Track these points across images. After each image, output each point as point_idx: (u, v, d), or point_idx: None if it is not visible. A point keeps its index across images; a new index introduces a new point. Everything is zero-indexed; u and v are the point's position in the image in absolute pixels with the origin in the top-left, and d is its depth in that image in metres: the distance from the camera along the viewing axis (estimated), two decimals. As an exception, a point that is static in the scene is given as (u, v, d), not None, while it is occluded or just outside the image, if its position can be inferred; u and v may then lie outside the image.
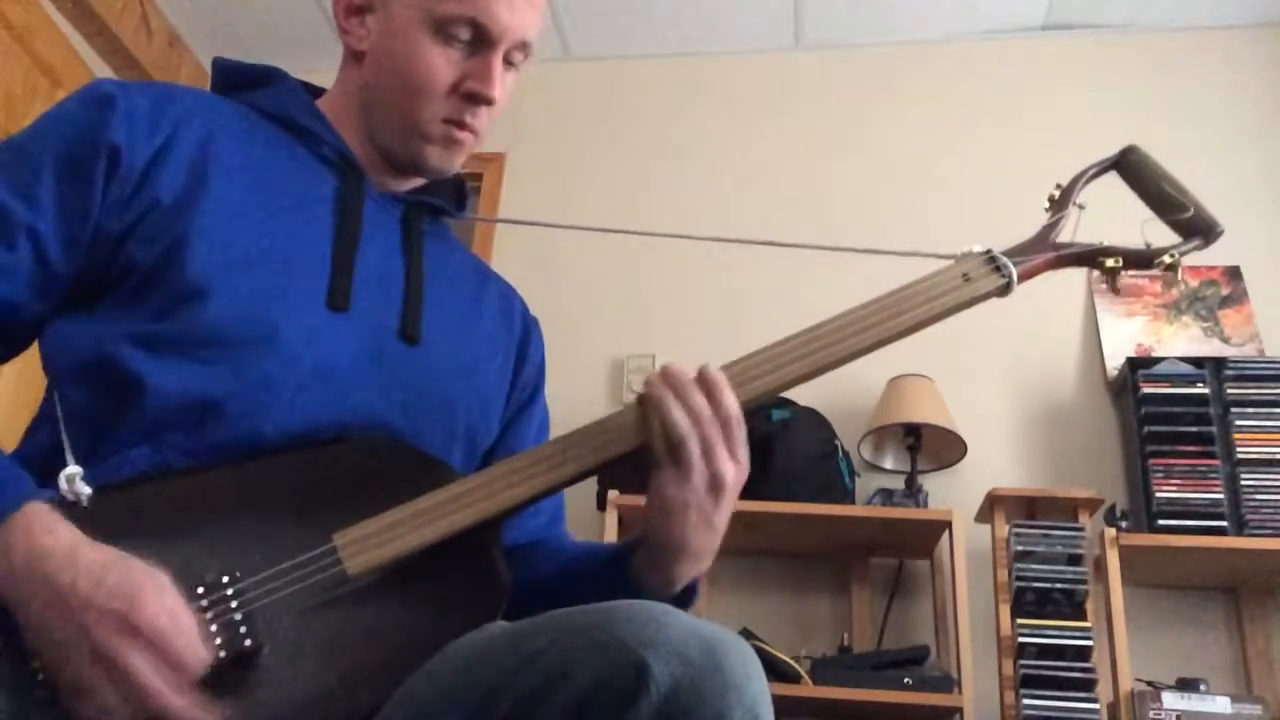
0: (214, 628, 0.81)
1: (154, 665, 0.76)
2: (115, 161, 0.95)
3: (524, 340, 1.18)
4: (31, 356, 0.98)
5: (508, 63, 1.05)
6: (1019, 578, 2.39)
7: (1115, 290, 1.08)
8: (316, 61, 2.04)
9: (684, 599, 0.96)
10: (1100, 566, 2.39)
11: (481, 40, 1.02)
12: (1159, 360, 2.60)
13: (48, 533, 0.80)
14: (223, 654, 0.81)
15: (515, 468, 0.93)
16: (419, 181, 1.13)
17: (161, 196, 0.95)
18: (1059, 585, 2.37)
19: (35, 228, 0.92)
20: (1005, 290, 1.04)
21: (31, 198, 0.93)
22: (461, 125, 1.04)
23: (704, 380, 0.91)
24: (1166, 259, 1.06)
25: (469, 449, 1.07)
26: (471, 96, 1.03)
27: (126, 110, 0.97)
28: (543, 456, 0.94)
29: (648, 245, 2.84)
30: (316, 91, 1.14)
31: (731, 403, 0.91)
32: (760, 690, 0.73)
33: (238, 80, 1.12)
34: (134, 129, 0.96)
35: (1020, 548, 2.41)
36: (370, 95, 1.07)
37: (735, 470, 0.92)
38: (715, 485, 0.91)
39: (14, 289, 0.93)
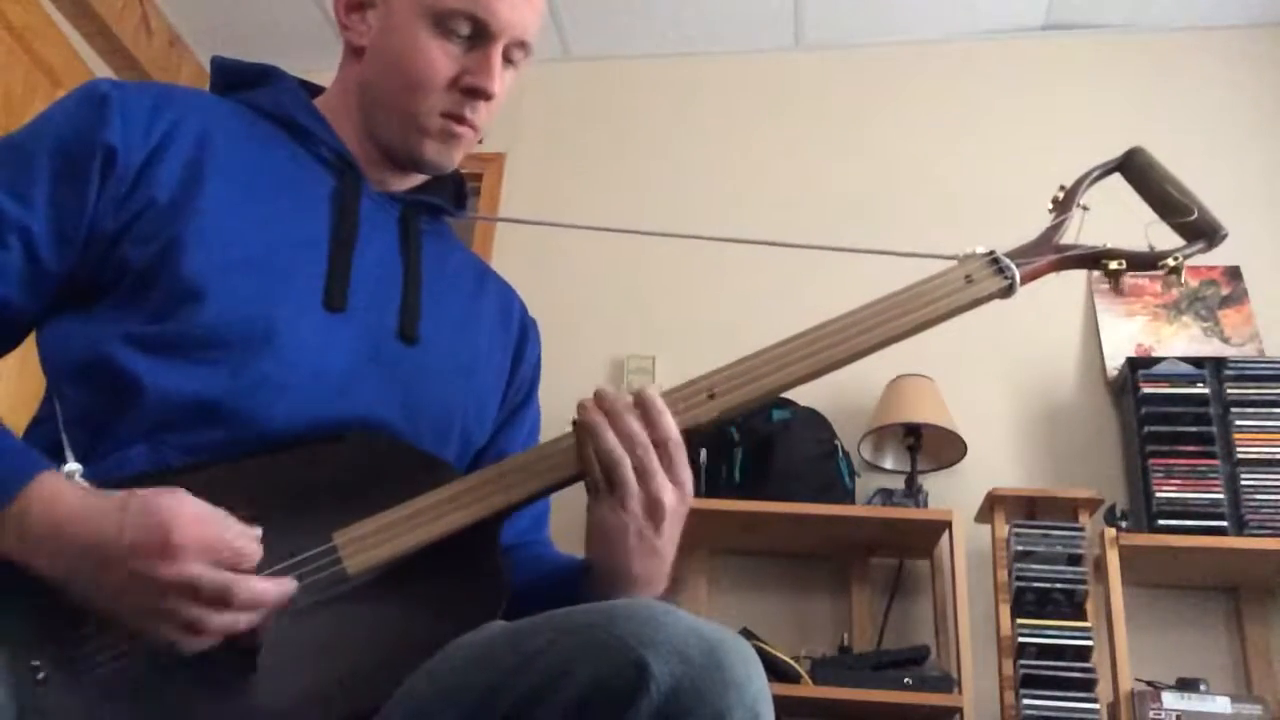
0: None
1: (212, 570, 0.77)
2: (111, 161, 0.95)
3: (521, 341, 1.18)
4: (32, 356, 0.98)
5: (507, 60, 1.06)
6: (1019, 578, 2.39)
7: (1118, 292, 1.08)
8: (317, 61, 2.03)
9: None
10: (1100, 566, 2.39)
11: (481, 35, 1.03)
12: (1159, 360, 2.60)
13: (61, 497, 0.81)
14: (222, 654, 0.81)
15: (514, 467, 0.93)
16: (418, 180, 1.13)
17: (157, 196, 0.95)
18: (1059, 585, 2.37)
19: (28, 226, 0.92)
20: (1008, 292, 1.04)
21: (25, 196, 0.93)
22: (460, 120, 1.05)
23: (640, 404, 0.90)
24: (1170, 262, 1.06)
25: (463, 449, 1.07)
26: (471, 91, 1.03)
27: (122, 110, 0.97)
28: (535, 459, 0.93)
29: (648, 245, 2.84)
30: (315, 90, 1.14)
31: (668, 426, 0.89)
32: (760, 689, 0.73)
33: (236, 79, 1.12)
34: (130, 129, 0.96)
35: (1020, 548, 2.41)
36: (370, 91, 1.07)
37: (676, 494, 0.90)
38: (653, 511, 0.89)
39: (6, 287, 0.93)
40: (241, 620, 0.79)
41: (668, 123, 3.37)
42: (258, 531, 0.82)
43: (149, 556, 0.77)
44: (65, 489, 0.82)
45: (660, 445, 0.89)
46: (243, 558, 0.79)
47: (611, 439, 0.88)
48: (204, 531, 0.78)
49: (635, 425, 0.89)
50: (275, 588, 0.81)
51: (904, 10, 3.25)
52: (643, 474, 0.88)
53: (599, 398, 0.90)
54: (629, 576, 0.90)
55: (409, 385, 1.01)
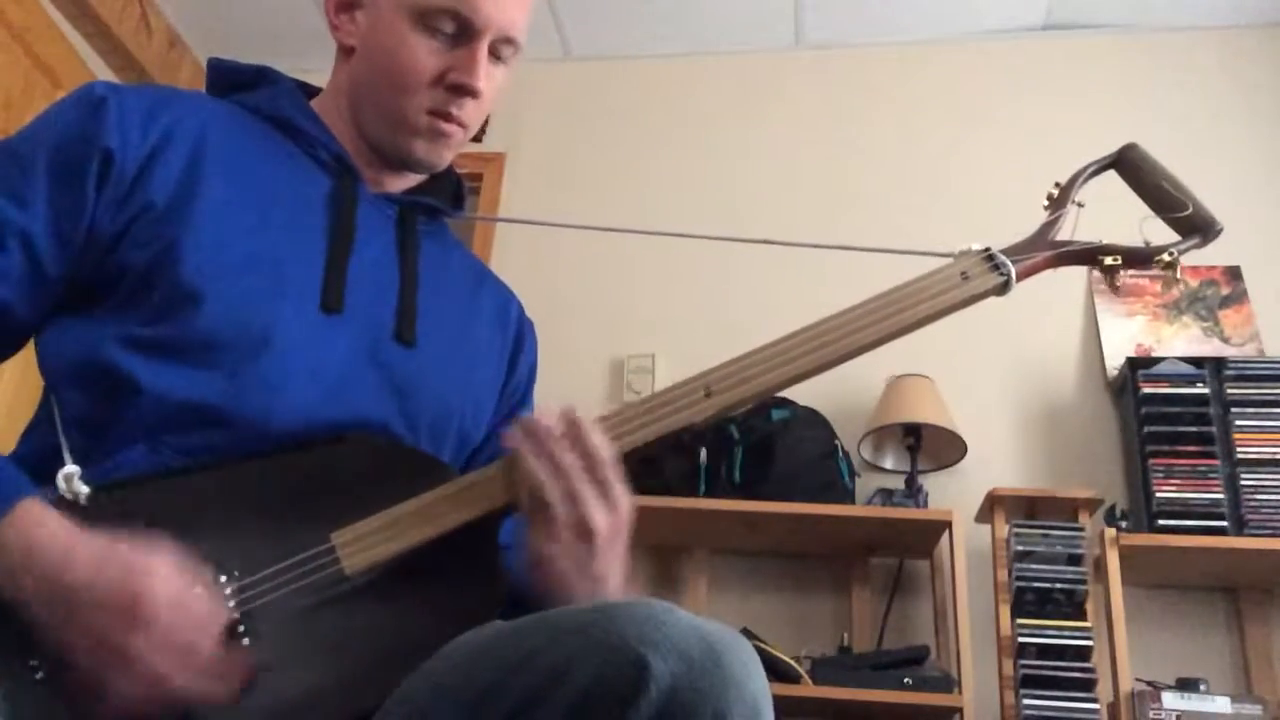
0: None
1: (166, 651, 0.76)
2: (108, 164, 0.95)
3: (518, 343, 1.18)
4: (33, 359, 0.98)
5: (495, 57, 1.05)
6: (1019, 578, 2.39)
7: (1115, 289, 1.08)
8: (316, 61, 2.03)
9: None
10: (1100, 566, 2.39)
11: (465, 32, 1.03)
12: (1159, 360, 2.60)
13: (42, 528, 0.80)
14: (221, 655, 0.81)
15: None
16: (414, 180, 1.13)
17: (155, 199, 0.95)
18: (1059, 585, 2.37)
19: (27, 230, 0.92)
20: (1004, 289, 1.04)
21: (23, 200, 0.93)
22: (448, 117, 1.04)
23: (568, 427, 0.88)
24: (1165, 257, 1.06)
25: (459, 451, 1.07)
26: (455, 88, 1.03)
27: (120, 113, 0.97)
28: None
29: (648, 245, 2.84)
30: (312, 91, 1.14)
31: (597, 447, 0.88)
32: (761, 688, 0.72)
33: (233, 81, 1.12)
34: (127, 131, 0.96)
35: (1020, 548, 2.41)
36: (359, 90, 1.07)
37: (608, 516, 0.87)
38: (584, 534, 0.87)
39: (5, 291, 0.93)
40: (167, 708, 0.77)
41: (668, 123, 3.37)
42: (223, 617, 0.80)
43: (112, 618, 0.76)
44: (47, 520, 0.81)
45: (589, 467, 0.87)
46: (195, 650, 0.78)
47: (531, 464, 0.87)
48: (170, 615, 0.77)
49: (559, 448, 0.87)
50: (214, 691, 0.78)
51: (904, 10, 3.25)
52: (570, 497, 0.86)
53: (522, 424, 0.89)
54: (566, 602, 0.86)
55: (406, 386, 1.01)
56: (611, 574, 0.88)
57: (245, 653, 0.81)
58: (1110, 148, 1.18)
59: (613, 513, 0.88)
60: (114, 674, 0.76)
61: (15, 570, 0.78)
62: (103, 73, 3.15)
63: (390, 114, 1.05)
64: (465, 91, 1.03)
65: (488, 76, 1.04)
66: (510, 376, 1.16)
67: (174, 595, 0.78)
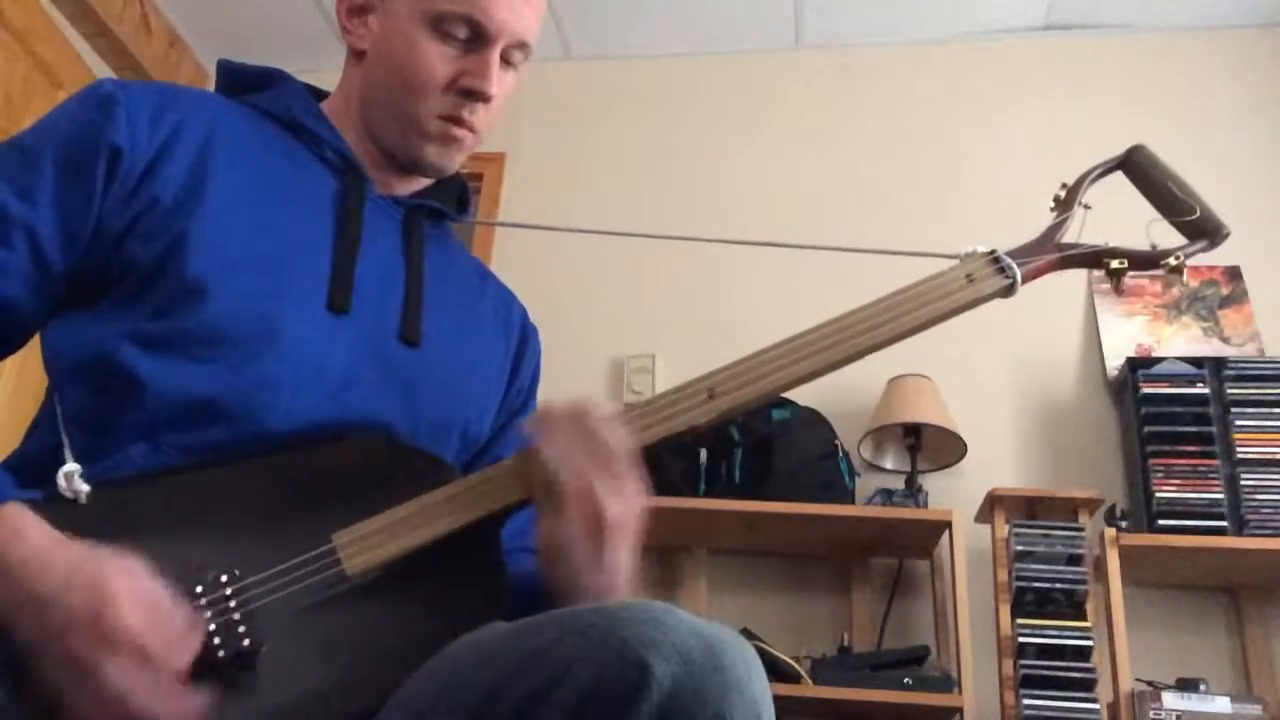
0: (212, 627, 0.81)
1: (128, 670, 0.75)
2: (116, 160, 0.95)
3: (521, 346, 1.18)
4: (32, 357, 0.98)
5: (506, 62, 1.06)
6: (1019, 578, 2.39)
7: (1119, 291, 1.07)
8: (317, 62, 2.04)
9: None
10: (1100, 566, 2.39)
11: (478, 38, 1.03)
12: (1159, 360, 2.60)
13: (18, 536, 0.79)
14: (221, 653, 0.81)
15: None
16: (422, 183, 1.13)
17: (162, 195, 0.95)
18: (1059, 585, 2.37)
19: (33, 226, 0.92)
20: (1009, 291, 1.03)
21: (30, 196, 0.93)
22: (459, 122, 1.05)
23: (578, 416, 0.88)
24: (1172, 261, 1.06)
25: (462, 452, 1.07)
26: (468, 93, 1.03)
27: (128, 110, 0.97)
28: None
29: (648, 245, 2.84)
30: (320, 95, 1.14)
31: (613, 438, 0.88)
32: (761, 689, 0.73)
33: (241, 82, 1.12)
34: (135, 128, 0.96)
35: (1020, 548, 2.41)
36: (370, 94, 1.07)
37: (621, 507, 0.87)
38: (596, 524, 0.86)
39: (10, 287, 0.93)
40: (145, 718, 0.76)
41: (668, 123, 3.37)
42: (199, 631, 0.79)
43: (78, 628, 0.75)
44: (26, 526, 0.80)
45: (604, 458, 0.87)
46: (161, 668, 0.76)
47: (548, 454, 0.87)
48: (139, 623, 0.75)
49: (572, 438, 0.87)
50: (177, 708, 0.76)
51: (904, 10, 3.25)
52: (584, 489, 0.86)
53: (540, 412, 0.89)
54: (580, 593, 0.87)
55: (410, 387, 1.01)
56: (623, 566, 0.88)
57: (203, 695, 0.78)
58: (1111, 147, 1.18)
59: (626, 505, 0.87)
60: (80, 689, 0.75)
61: None
62: (103, 73, 3.15)
63: (402, 118, 1.05)
64: (478, 97, 1.04)
65: (499, 82, 1.04)
66: (514, 378, 1.16)
67: (143, 613, 0.76)
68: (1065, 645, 2.32)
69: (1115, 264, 1.07)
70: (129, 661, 0.75)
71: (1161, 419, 2.51)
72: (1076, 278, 2.92)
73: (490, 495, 0.91)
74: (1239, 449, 2.45)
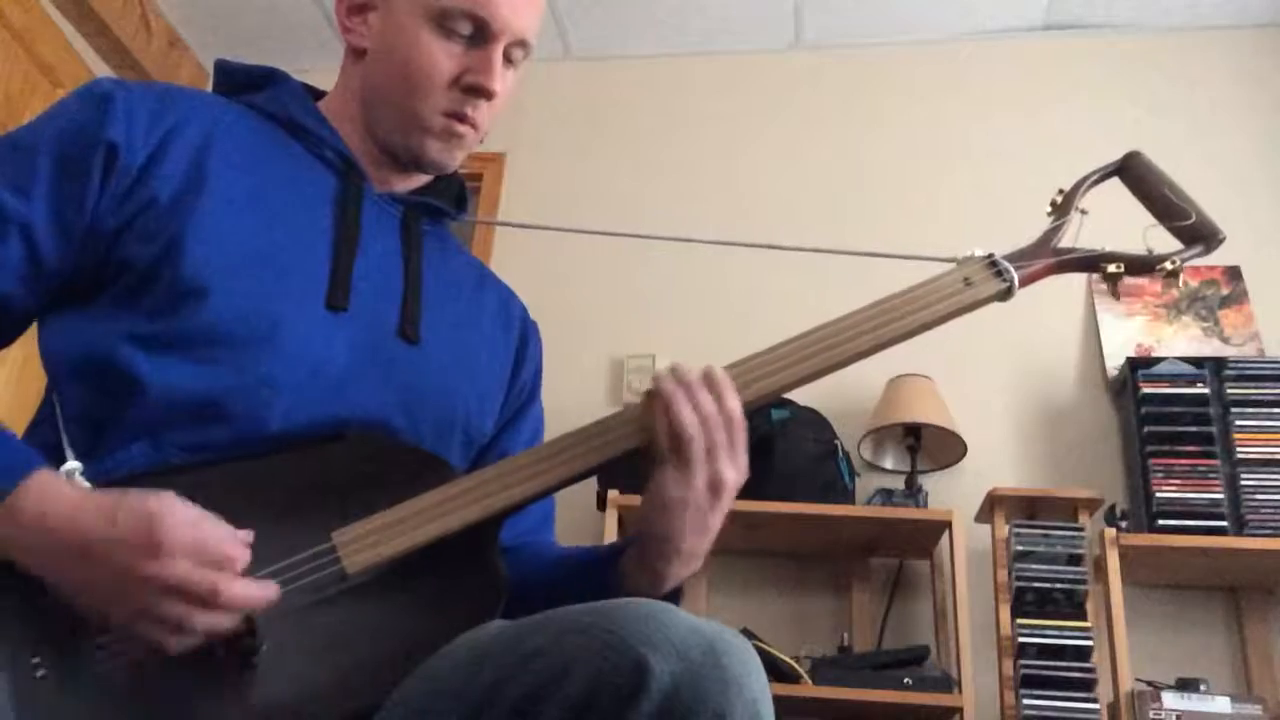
0: None
1: (199, 570, 0.78)
2: (113, 158, 0.95)
3: (523, 343, 1.18)
4: (33, 356, 0.98)
5: (508, 60, 1.06)
6: (1019, 578, 2.39)
7: (1116, 295, 1.08)
8: (316, 61, 2.04)
9: (669, 601, 0.96)
10: (1100, 566, 2.39)
11: (481, 35, 1.03)
12: (1159, 360, 2.60)
13: (55, 496, 0.81)
14: (221, 651, 0.81)
15: (516, 466, 0.93)
16: (420, 181, 1.13)
17: (159, 194, 0.95)
18: (1059, 585, 2.37)
19: (28, 222, 0.93)
20: (1006, 295, 1.04)
21: (26, 192, 0.93)
22: (462, 118, 1.05)
23: (710, 381, 0.91)
24: (1168, 265, 1.06)
25: (465, 449, 1.07)
26: (472, 89, 1.04)
27: (125, 108, 0.97)
28: (543, 456, 0.94)
29: (648, 245, 2.84)
30: (318, 94, 1.14)
31: (736, 405, 0.91)
32: (761, 688, 0.73)
33: (240, 82, 1.12)
34: (132, 127, 0.97)
35: (1020, 548, 2.41)
36: (372, 92, 1.08)
37: (735, 474, 0.92)
38: (715, 487, 0.91)
39: (4, 282, 0.93)
40: (224, 621, 0.80)
41: (668, 123, 3.37)
42: (248, 535, 0.82)
43: (135, 554, 0.77)
44: (61, 486, 0.83)
45: (727, 423, 0.91)
46: (229, 560, 0.80)
47: (688, 412, 0.90)
48: (192, 533, 0.79)
49: (708, 400, 0.90)
50: (259, 591, 0.81)
51: (904, 10, 3.25)
52: (711, 450, 0.90)
53: (674, 371, 0.92)
54: (679, 549, 0.92)
55: (409, 385, 1.01)
56: (716, 529, 0.94)
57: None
58: (1110, 147, 1.19)
59: (739, 474, 0.92)
60: (159, 607, 0.78)
61: (34, 540, 0.80)
62: (102, 73, 3.15)
63: (405, 115, 1.05)
64: (481, 93, 1.04)
65: (501, 79, 1.05)
66: (517, 376, 1.16)
67: (191, 519, 0.80)
68: (1065, 645, 2.32)
69: (1112, 268, 1.07)
70: (189, 564, 0.78)
71: (1161, 419, 2.51)
72: (1077, 278, 2.89)
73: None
74: (1239, 449, 2.45)
